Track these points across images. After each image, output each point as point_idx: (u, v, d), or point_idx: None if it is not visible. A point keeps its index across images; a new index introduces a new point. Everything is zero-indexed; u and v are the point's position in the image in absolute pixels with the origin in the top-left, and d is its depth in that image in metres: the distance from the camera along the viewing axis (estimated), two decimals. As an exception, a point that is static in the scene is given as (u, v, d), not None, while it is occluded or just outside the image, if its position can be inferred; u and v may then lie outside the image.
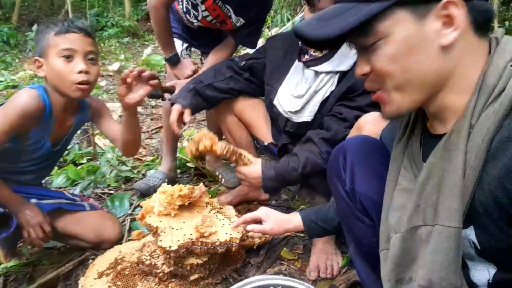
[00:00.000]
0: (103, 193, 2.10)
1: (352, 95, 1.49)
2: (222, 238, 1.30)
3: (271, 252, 1.57)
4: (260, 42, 4.36)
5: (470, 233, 0.74)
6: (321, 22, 0.75)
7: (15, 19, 8.64)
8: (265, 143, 1.76)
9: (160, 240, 1.25)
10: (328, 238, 1.52)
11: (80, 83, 1.34)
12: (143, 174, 2.28)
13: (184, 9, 1.95)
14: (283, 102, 1.64)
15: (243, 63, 1.75)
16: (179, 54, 2.01)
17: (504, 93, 0.67)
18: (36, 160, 1.45)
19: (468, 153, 0.68)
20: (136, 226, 1.73)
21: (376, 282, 1.04)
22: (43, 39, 1.36)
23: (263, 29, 3.51)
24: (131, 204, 1.94)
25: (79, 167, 2.31)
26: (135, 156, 2.53)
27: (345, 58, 1.51)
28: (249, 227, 1.31)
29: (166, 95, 1.84)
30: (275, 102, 1.68)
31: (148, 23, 8.75)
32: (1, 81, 4.63)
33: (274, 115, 1.73)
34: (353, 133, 1.40)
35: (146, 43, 7.96)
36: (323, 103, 1.56)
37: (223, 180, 2.15)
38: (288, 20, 5.46)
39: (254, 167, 1.49)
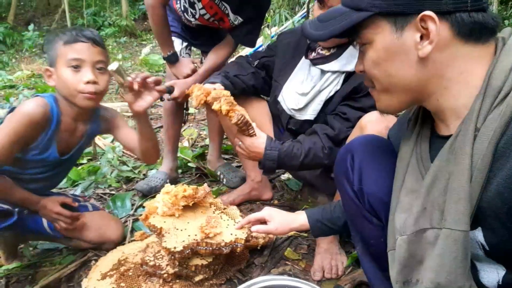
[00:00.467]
0: (104, 194, 2.09)
1: (357, 96, 1.49)
2: (227, 239, 1.29)
3: (275, 252, 1.57)
4: (260, 41, 4.36)
5: (478, 234, 0.74)
6: (320, 23, 0.84)
7: (11, 19, 8.59)
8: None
9: (165, 241, 1.24)
10: (333, 238, 1.52)
11: (87, 93, 1.32)
12: (144, 175, 2.27)
13: (182, 8, 1.94)
14: (287, 99, 1.64)
15: (256, 62, 1.74)
16: (179, 53, 2.00)
17: (510, 95, 0.67)
18: (43, 168, 1.44)
19: (475, 156, 0.68)
20: (139, 226, 1.72)
21: (384, 282, 1.04)
22: (53, 49, 1.35)
23: (262, 28, 3.51)
24: (132, 205, 1.93)
25: (80, 167, 2.29)
26: (135, 156, 2.52)
27: (353, 58, 1.50)
28: (254, 228, 1.31)
29: (165, 95, 1.83)
30: (279, 98, 1.67)
31: (145, 23, 8.73)
32: (-1, 81, 4.60)
33: (277, 112, 1.72)
34: (355, 132, 1.40)
35: (143, 42, 7.94)
36: (327, 102, 1.55)
37: (224, 180, 2.15)
38: (287, 19, 5.45)
39: (257, 141, 1.45)
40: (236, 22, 1.92)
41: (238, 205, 1.87)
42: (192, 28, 2.06)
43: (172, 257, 1.27)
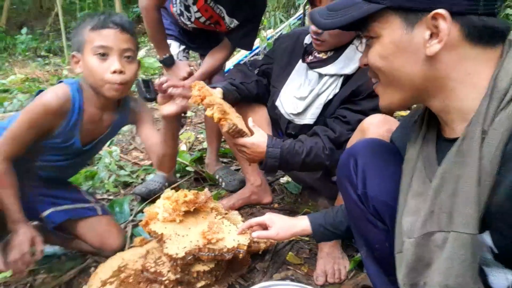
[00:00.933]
0: (102, 199, 2.06)
1: (356, 99, 1.49)
2: (230, 244, 1.27)
3: (276, 257, 1.55)
4: (256, 43, 4.35)
5: (486, 238, 0.73)
6: (330, 12, 0.83)
7: (3, 22, 8.51)
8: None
9: (166, 248, 1.23)
10: (335, 242, 1.51)
11: (113, 83, 1.27)
12: (142, 179, 2.25)
13: (178, 11, 1.94)
14: (286, 104, 1.63)
15: (256, 71, 1.74)
16: (176, 56, 1.99)
17: None
18: (63, 156, 1.41)
19: (483, 159, 0.68)
20: (138, 232, 1.70)
21: (389, 286, 1.03)
22: (80, 34, 1.29)
23: (258, 30, 3.50)
24: (131, 210, 1.91)
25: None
26: (133, 160, 2.50)
27: (350, 61, 1.50)
28: (255, 234, 1.29)
29: None
30: (277, 103, 1.66)
31: (140, 25, 8.67)
32: (-9, 85, 4.55)
33: (276, 117, 1.71)
34: (356, 135, 1.39)
35: (138, 45, 7.89)
36: (326, 105, 1.54)
37: (223, 183, 2.13)
38: (282, 21, 5.46)
39: (258, 140, 1.43)
40: (232, 25, 1.91)
41: (238, 209, 1.85)
42: (189, 31, 2.05)
43: (174, 264, 1.25)
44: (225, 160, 2.43)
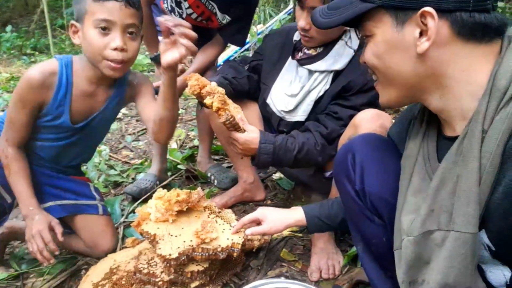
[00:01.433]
0: (92, 199, 2.03)
1: (347, 94, 1.49)
2: (224, 243, 1.26)
3: (270, 254, 1.54)
4: (247, 39, 4.32)
5: (483, 236, 0.74)
6: (329, 11, 0.85)
7: (-13, 20, 8.33)
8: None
9: (159, 248, 1.21)
10: (328, 237, 1.50)
11: (113, 61, 1.21)
12: (132, 178, 2.21)
13: (169, 8, 1.90)
14: (276, 101, 1.62)
15: (246, 67, 1.72)
16: None
17: None
18: (58, 135, 1.38)
19: (483, 158, 0.68)
20: (130, 233, 1.68)
21: (386, 281, 1.04)
22: (82, 2, 1.21)
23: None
24: (122, 210, 1.88)
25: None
26: (123, 159, 2.47)
27: (339, 57, 1.49)
28: (248, 231, 1.29)
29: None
30: (268, 100, 1.65)
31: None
32: (-24, 84, 4.45)
33: (267, 114, 1.70)
34: (349, 131, 1.39)
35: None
36: (317, 102, 1.54)
37: (215, 181, 2.11)
38: (271, 16, 5.42)
39: (251, 135, 1.42)
40: (224, 21, 1.88)
41: (231, 207, 1.84)
42: (180, 27, 2.02)
43: (168, 264, 1.23)
44: (217, 157, 2.40)
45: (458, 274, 0.72)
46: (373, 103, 1.43)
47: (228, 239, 1.29)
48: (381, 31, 0.79)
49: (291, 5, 5.00)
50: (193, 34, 1.15)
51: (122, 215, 1.83)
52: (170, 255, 1.18)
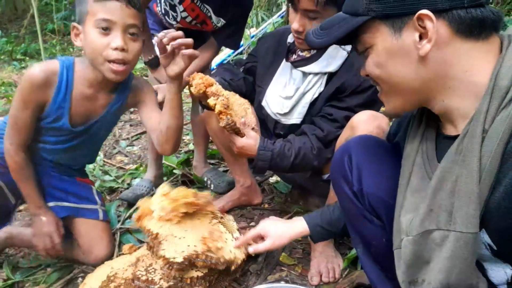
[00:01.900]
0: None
1: (341, 96, 1.49)
2: (227, 255, 1.24)
3: (270, 258, 1.53)
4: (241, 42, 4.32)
5: (484, 235, 0.74)
6: (322, 31, 0.87)
7: (-24, 25, 8.23)
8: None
9: (163, 249, 1.18)
10: (328, 241, 1.50)
11: (113, 61, 1.19)
12: (128, 184, 2.19)
13: (163, 11, 1.89)
14: (272, 103, 1.62)
15: (241, 69, 1.72)
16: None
17: None
18: (59, 138, 1.38)
19: (483, 158, 0.68)
20: (127, 239, 1.65)
21: (387, 282, 1.03)
22: (83, 3, 1.21)
23: (242, 29, 3.45)
24: (118, 216, 1.85)
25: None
26: (118, 165, 2.44)
27: (333, 59, 1.50)
28: (251, 249, 1.29)
29: None
30: (263, 103, 1.65)
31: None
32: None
33: (263, 117, 1.70)
34: (346, 132, 1.39)
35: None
36: (312, 104, 1.54)
37: (212, 185, 2.10)
38: (263, 20, 5.43)
39: (249, 141, 1.42)
40: (219, 25, 1.88)
41: (228, 211, 1.83)
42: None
43: (169, 268, 1.21)
44: (212, 161, 2.39)
45: (460, 273, 0.72)
46: (368, 104, 1.44)
47: (231, 251, 1.27)
48: (380, 40, 0.79)
49: (283, 9, 5.02)
50: (190, 41, 1.17)
51: (118, 221, 1.80)
52: (174, 258, 1.16)
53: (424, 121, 0.88)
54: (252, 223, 1.78)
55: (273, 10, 5.78)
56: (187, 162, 2.34)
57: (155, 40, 1.14)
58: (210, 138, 2.13)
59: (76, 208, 1.50)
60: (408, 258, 0.80)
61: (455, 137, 0.75)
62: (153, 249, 1.27)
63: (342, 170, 1.04)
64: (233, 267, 1.28)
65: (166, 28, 2.00)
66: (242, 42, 4.25)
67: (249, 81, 1.71)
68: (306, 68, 1.52)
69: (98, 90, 1.34)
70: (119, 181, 2.21)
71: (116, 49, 1.18)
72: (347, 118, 1.39)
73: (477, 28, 0.72)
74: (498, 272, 0.78)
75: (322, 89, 1.51)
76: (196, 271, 1.26)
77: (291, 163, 1.45)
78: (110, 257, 1.52)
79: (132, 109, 3.54)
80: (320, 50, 1.51)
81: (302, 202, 1.91)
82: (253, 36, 4.42)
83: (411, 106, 0.85)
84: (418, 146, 0.87)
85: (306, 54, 1.54)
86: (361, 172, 0.99)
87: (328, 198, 1.50)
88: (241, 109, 1.41)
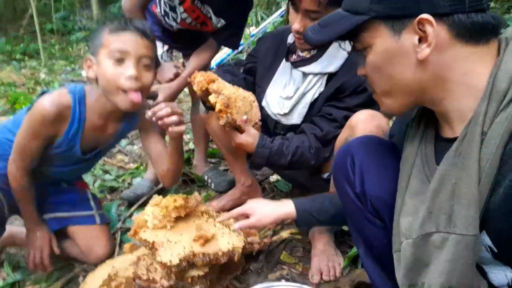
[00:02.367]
0: (88, 205, 2.00)
1: (341, 96, 1.49)
2: (224, 247, 1.25)
3: (270, 256, 1.54)
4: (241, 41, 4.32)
5: (485, 237, 0.74)
6: (321, 28, 0.86)
7: (-25, 26, 8.23)
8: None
9: (160, 256, 1.19)
10: (328, 239, 1.50)
11: (129, 90, 1.19)
12: (128, 183, 2.19)
13: (162, 12, 1.89)
14: (272, 104, 1.62)
15: (241, 69, 1.72)
16: (160, 57, 1.94)
17: None
18: (65, 163, 1.41)
19: (482, 160, 0.68)
20: (128, 238, 1.65)
21: (388, 283, 1.03)
22: (97, 37, 1.23)
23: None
24: (119, 215, 1.86)
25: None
26: (118, 164, 2.44)
27: (333, 59, 1.50)
28: (236, 225, 1.28)
29: (149, 101, 1.77)
30: (263, 103, 1.65)
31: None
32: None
33: (263, 117, 1.69)
34: (345, 132, 1.39)
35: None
36: (312, 105, 1.54)
37: (212, 184, 2.10)
38: (263, 18, 5.43)
39: (247, 140, 1.44)
40: (219, 25, 1.88)
41: (229, 210, 1.82)
42: (172, 31, 2.01)
43: (169, 271, 1.22)
44: (213, 160, 2.39)
45: (461, 276, 0.72)
46: (367, 104, 1.43)
47: (228, 243, 1.28)
48: (379, 41, 0.78)
49: (283, 7, 5.02)
50: (179, 111, 1.23)
51: (119, 220, 1.80)
52: (170, 262, 1.17)
53: (422, 124, 0.87)
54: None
55: (272, 9, 5.78)
56: (187, 161, 2.34)
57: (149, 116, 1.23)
58: (210, 137, 2.14)
59: (70, 217, 1.52)
60: (408, 261, 0.80)
61: (454, 139, 0.75)
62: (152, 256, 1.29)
63: (344, 172, 1.03)
64: (236, 258, 1.27)
65: (165, 29, 2.00)
66: (242, 41, 4.26)
67: (250, 82, 1.71)
68: (306, 69, 1.53)
69: (107, 120, 1.36)
70: (120, 180, 2.22)
71: (130, 78, 1.18)
72: (347, 118, 1.39)
73: (477, 33, 0.72)
74: (499, 275, 0.78)
75: (322, 89, 1.52)
76: (196, 270, 1.26)
77: (288, 161, 1.46)
78: (110, 256, 1.52)
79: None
80: (321, 51, 1.51)
81: (302, 201, 1.91)
82: (253, 35, 4.43)
83: (407, 107, 0.84)
84: (417, 149, 0.86)
85: (306, 54, 1.54)
86: (364, 174, 0.99)
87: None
88: (246, 103, 1.42)
